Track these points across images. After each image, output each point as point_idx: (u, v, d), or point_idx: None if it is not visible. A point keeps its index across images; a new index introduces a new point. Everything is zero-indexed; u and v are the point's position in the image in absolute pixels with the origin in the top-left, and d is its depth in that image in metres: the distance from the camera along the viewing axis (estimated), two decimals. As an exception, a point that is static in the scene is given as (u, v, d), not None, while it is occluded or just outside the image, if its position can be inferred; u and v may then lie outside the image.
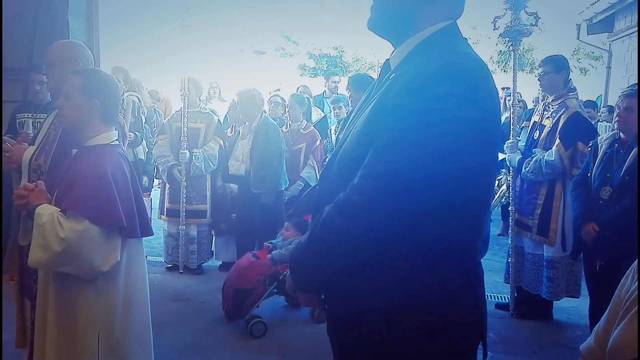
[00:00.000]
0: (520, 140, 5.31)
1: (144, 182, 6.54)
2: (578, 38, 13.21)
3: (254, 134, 5.90)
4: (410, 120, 1.50)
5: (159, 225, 6.40)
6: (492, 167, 1.68)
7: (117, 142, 2.79)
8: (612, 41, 11.84)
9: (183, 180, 6.06)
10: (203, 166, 6.08)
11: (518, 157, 5.06)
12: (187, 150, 6.05)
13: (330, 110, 7.17)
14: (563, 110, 4.84)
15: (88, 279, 2.56)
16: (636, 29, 9.63)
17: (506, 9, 4.95)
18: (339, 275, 1.65)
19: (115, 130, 2.81)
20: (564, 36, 25.58)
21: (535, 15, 4.97)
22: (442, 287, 1.61)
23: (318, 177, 5.64)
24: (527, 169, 4.90)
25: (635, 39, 9.65)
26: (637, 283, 1.05)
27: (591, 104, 10.14)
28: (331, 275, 1.67)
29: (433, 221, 1.53)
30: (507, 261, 5.29)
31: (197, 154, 6.06)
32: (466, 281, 1.65)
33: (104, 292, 2.63)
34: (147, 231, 2.77)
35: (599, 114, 9.78)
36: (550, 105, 5.05)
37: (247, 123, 6.03)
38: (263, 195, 5.76)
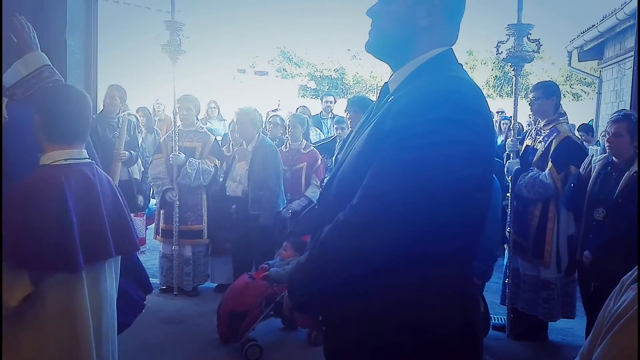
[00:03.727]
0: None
1: (139, 202, 6.48)
2: (569, 65, 13.51)
3: (251, 154, 5.90)
4: (407, 142, 1.55)
5: (155, 246, 6.36)
6: (487, 188, 1.71)
7: (66, 161, 2.58)
8: (602, 68, 12.13)
9: (176, 200, 6.00)
10: (193, 175, 5.97)
11: (517, 166, 5.12)
12: (182, 154, 5.98)
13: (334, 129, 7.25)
14: (555, 135, 4.94)
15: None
16: (625, 57, 9.93)
17: (509, 35, 5.04)
18: (337, 296, 1.67)
19: (76, 148, 2.64)
20: (557, 62, 25.94)
21: (537, 42, 5.07)
22: (438, 308, 1.63)
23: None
24: (521, 182, 4.97)
25: (624, 66, 9.96)
26: (620, 302, 1.06)
27: (586, 128, 10.27)
28: (329, 296, 1.69)
29: (430, 242, 1.56)
30: (504, 282, 5.31)
31: (192, 161, 6.01)
32: (460, 302, 1.68)
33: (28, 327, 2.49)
34: (103, 255, 2.63)
35: (598, 137, 9.93)
36: (542, 130, 5.14)
37: (244, 143, 6.03)
38: (262, 216, 5.74)
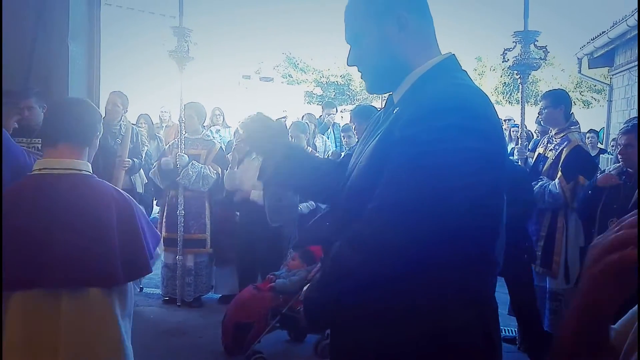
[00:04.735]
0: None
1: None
2: (580, 72, 13.50)
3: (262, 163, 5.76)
4: (416, 151, 1.53)
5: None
6: (500, 195, 1.69)
7: (40, 171, 2.41)
8: (612, 75, 12.12)
9: (181, 208, 5.92)
10: (193, 178, 5.88)
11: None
12: (186, 155, 5.91)
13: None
14: (565, 143, 4.91)
15: None
16: (636, 63, 9.85)
17: (516, 42, 5.01)
18: (352, 310, 1.64)
19: (60, 157, 2.44)
20: (567, 69, 25.91)
21: (544, 49, 5.03)
22: (455, 319, 1.60)
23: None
24: None
25: (635, 73, 9.91)
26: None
27: (593, 132, 10.23)
28: (344, 310, 1.66)
29: (445, 252, 1.52)
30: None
31: (195, 164, 5.94)
32: (478, 313, 1.66)
33: None
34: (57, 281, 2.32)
35: (608, 147, 10.02)
36: (553, 138, 5.13)
37: (254, 154, 5.90)
38: (285, 227, 5.66)
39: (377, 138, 1.72)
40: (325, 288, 1.68)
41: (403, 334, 1.60)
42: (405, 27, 1.74)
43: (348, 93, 27.84)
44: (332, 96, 26.64)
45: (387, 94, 1.91)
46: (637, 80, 9.75)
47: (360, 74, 1.89)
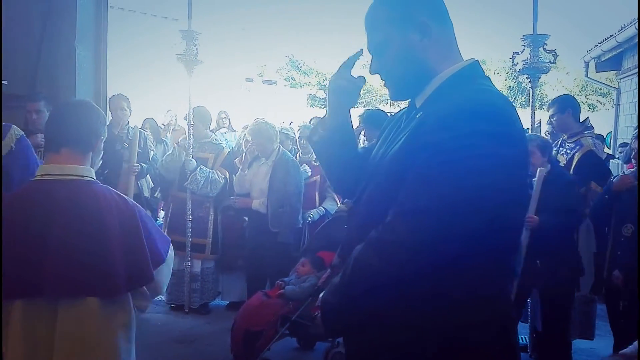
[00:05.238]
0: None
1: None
2: (587, 75, 13.54)
3: (271, 169, 5.76)
4: (442, 157, 1.51)
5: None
6: (524, 202, 1.73)
7: (42, 177, 2.35)
8: (620, 79, 12.21)
9: (189, 212, 5.87)
10: (201, 183, 5.84)
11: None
12: (193, 160, 5.87)
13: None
14: (577, 148, 4.93)
15: None
16: None
17: (524, 46, 5.00)
18: (373, 317, 1.62)
19: (62, 163, 2.38)
20: (572, 72, 25.89)
21: (553, 53, 5.02)
22: (475, 327, 1.59)
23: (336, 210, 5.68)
24: None
25: None
26: None
27: (598, 137, 10.14)
28: (365, 317, 1.64)
29: (468, 258, 1.51)
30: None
31: (204, 169, 5.90)
32: (502, 323, 1.66)
33: None
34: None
35: (617, 152, 10.02)
36: (565, 142, 5.15)
37: (263, 159, 5.88)
38: (281, 234, 5.59)
39: (399, 143, 1.71)
40: (345, 292, 1.65)
41: (423, 339, 1.59)
42: (428, 34, 1.74)
43: (350, 96, 27.81)
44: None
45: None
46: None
47: (383, 81, 1.88)
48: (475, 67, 1.78)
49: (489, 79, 1.81)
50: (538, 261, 4.24)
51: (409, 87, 1.82)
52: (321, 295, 1.77)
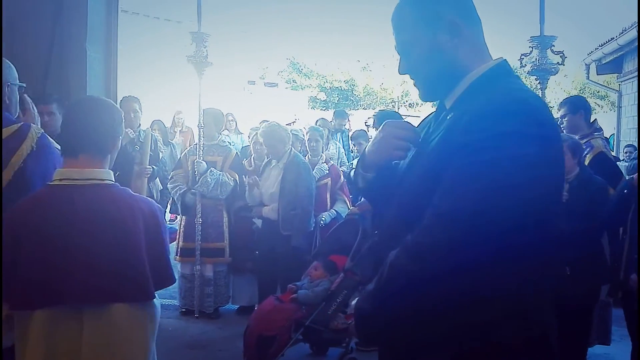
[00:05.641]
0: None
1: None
2: (587, 78, 13.67)
3: (282, 171, 5.72)
4: (478, 157, 1.49)
5: (173, 265, 6.16)
6: (560, 201, 1.65)
7: (60, 181, 2.30)
8: (621, 82, 12.28)
9: (198, 216, 5.83)
10: (212, 185, 5.81)
11: None
12: (204, 162, 5.84)
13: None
14: (588, 149, 4.86)
15: None
16: None
17: (532, 47, 4.97)
18: (410, 322, 1.58)
19: (80, 167, 2.34)
20: (570, 75, 25.86)
21: (561, 54, 5.02)
22: (521, 336, 1.56)
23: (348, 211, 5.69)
24: None
25: None
26: None
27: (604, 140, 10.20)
28: (401, 322, 1.59)
29: (508, 262, 1.48)
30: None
31: (214, 171, 5.87)
32: (543, 330, 1.62)
33: None
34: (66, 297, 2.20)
35: (620, 154, 10.21)
36: None
37: (273, 162, 5.85)
38: (294, 237, 5.56)
39: (432, 144, 1.68)
40: (381, 298, 1.61)
41: (461, 343, 1.56)
42: (458, 33, 1.71)
43: (352, 98, 27.83)
44: (336, 101, 26.63)
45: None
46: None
47: (413, 81, 1.85)
48: (504, 66, 1.75)
49: (519, 77, 1.77)
50: (567, 268, 4.17)
51: (439, 87, 1.79)
52: (354, 302, 1.72)
